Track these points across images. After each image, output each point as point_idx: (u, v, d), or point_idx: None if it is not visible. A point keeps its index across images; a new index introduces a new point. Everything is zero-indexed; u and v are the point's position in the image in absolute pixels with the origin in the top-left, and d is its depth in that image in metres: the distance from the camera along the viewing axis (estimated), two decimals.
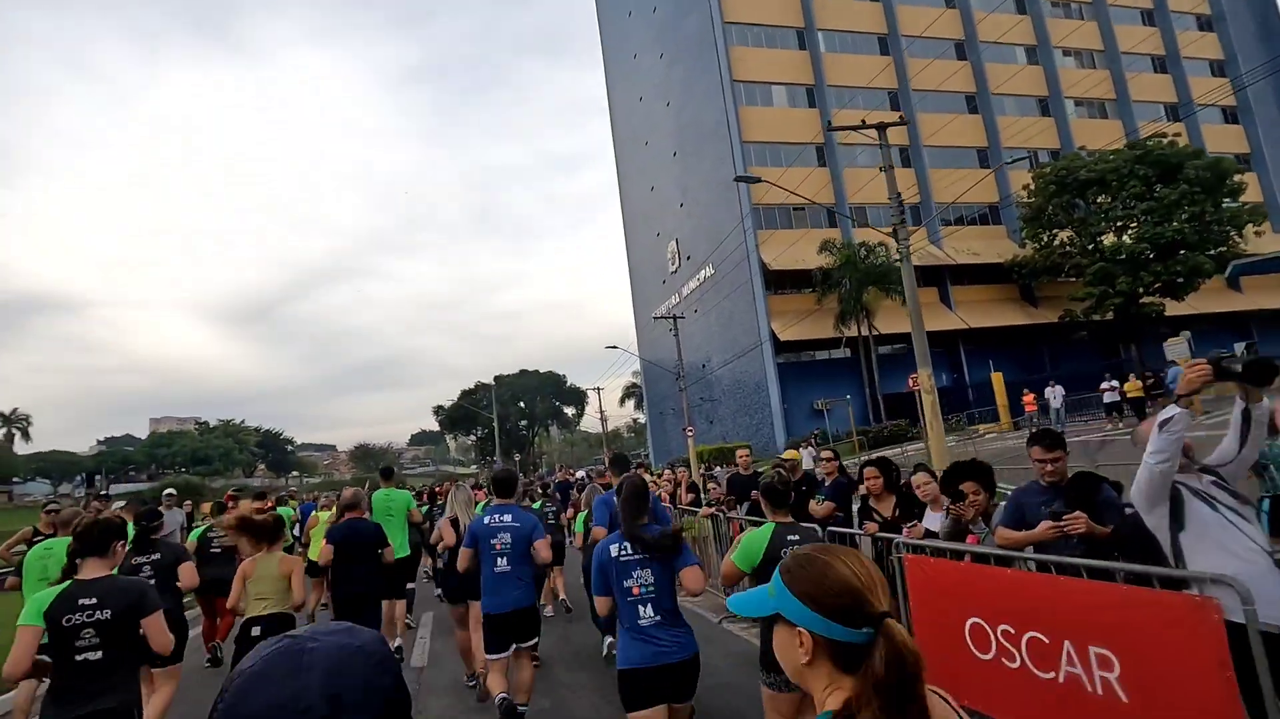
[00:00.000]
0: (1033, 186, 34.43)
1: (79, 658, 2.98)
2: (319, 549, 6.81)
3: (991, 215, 42.16)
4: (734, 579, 3.62)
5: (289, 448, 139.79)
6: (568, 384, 74.39)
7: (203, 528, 7.89)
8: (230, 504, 9.59)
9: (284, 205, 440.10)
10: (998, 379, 30.39)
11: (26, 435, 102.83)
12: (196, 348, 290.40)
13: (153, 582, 4.53)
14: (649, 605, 3.25)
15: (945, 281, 38.84)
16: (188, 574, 5.02)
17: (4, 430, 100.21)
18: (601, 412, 57.41)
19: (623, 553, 3.36)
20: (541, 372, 74.51)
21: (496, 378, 61.59)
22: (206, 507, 10.17)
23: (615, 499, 3.80)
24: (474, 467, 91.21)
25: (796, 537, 3.53)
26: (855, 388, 36.72)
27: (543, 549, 4.65)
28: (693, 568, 3.42)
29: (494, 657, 4.55)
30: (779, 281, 37.43)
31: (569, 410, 77.24)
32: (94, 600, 3.04)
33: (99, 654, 3.01)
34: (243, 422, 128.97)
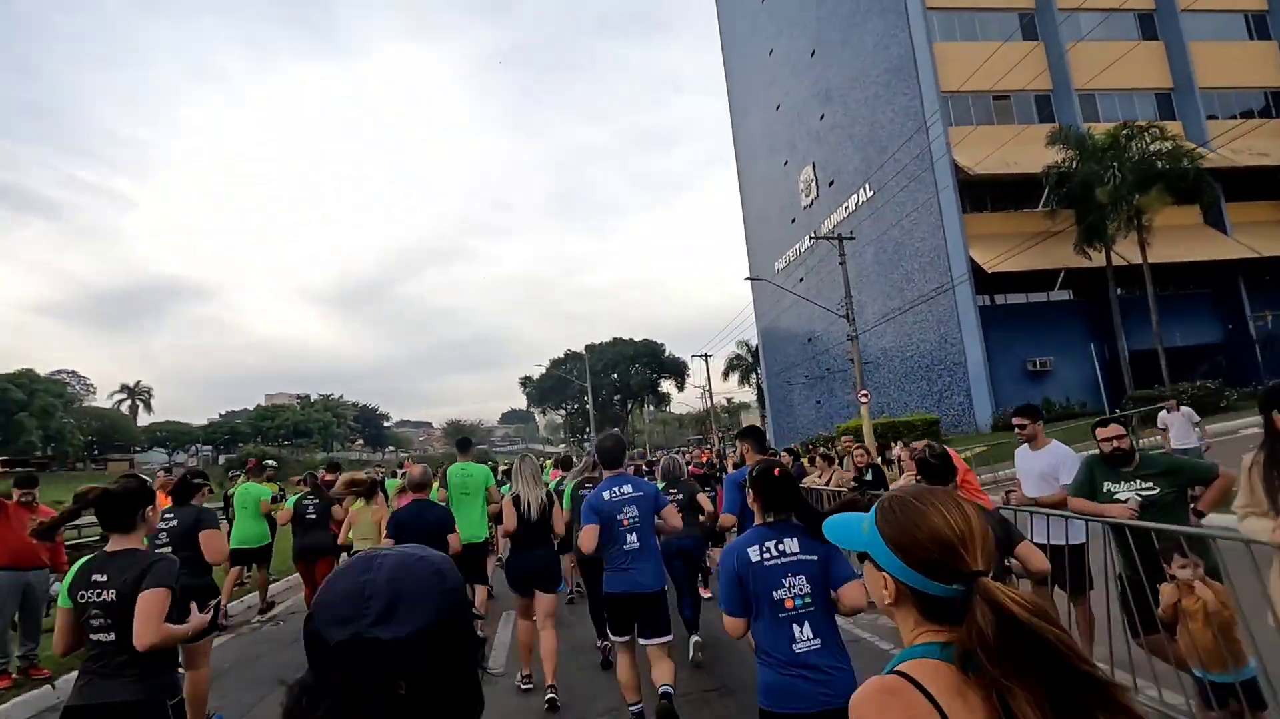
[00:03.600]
0: None
1: (94, 637, 2.59)
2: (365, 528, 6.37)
3: None
4: None
5: (385, 423, 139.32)
6: (666, 354, 65.08)
7: (297, 495, 7.97)
8: (323, 477, 9.50)
9: (383, 193, 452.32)
10: None
11: (148, 406, 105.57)
12: (307, 328, 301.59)
13: (168, 549, 4.32)
14: (805, 625, 2.38)
15: (1217, 196, 26.63)
16: (208, 544, 4.23)
17: (128, 402, 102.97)
18: (708, 381, 47.89)
19: (766, 556, 2.50)
20: (637, 340, 65.51)
21: (588, 346, 53.40)
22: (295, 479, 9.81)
23: (746, 479, 3.21)
24: (562, 445, 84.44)
25: None
26: (1082, 341, 25.59)
27: (671, 517, 4.23)
28: (854, 583, 2.44)
29: (617, 639, 4.13)
30: (978, 196, 26.47)
31: (666, 385, 67.98)
32: (105, 578, 2.61)
33: (111, 636, 2.57)
34: (341, 396, 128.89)
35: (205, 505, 4.92)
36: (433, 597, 0.76)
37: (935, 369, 27.52)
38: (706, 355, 47.17)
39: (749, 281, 26.35)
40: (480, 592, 6.31)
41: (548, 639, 4.69)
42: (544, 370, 62.82)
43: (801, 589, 2.41)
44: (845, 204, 32.79)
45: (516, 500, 4.84)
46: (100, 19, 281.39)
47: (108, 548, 2.70)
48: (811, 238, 29.62)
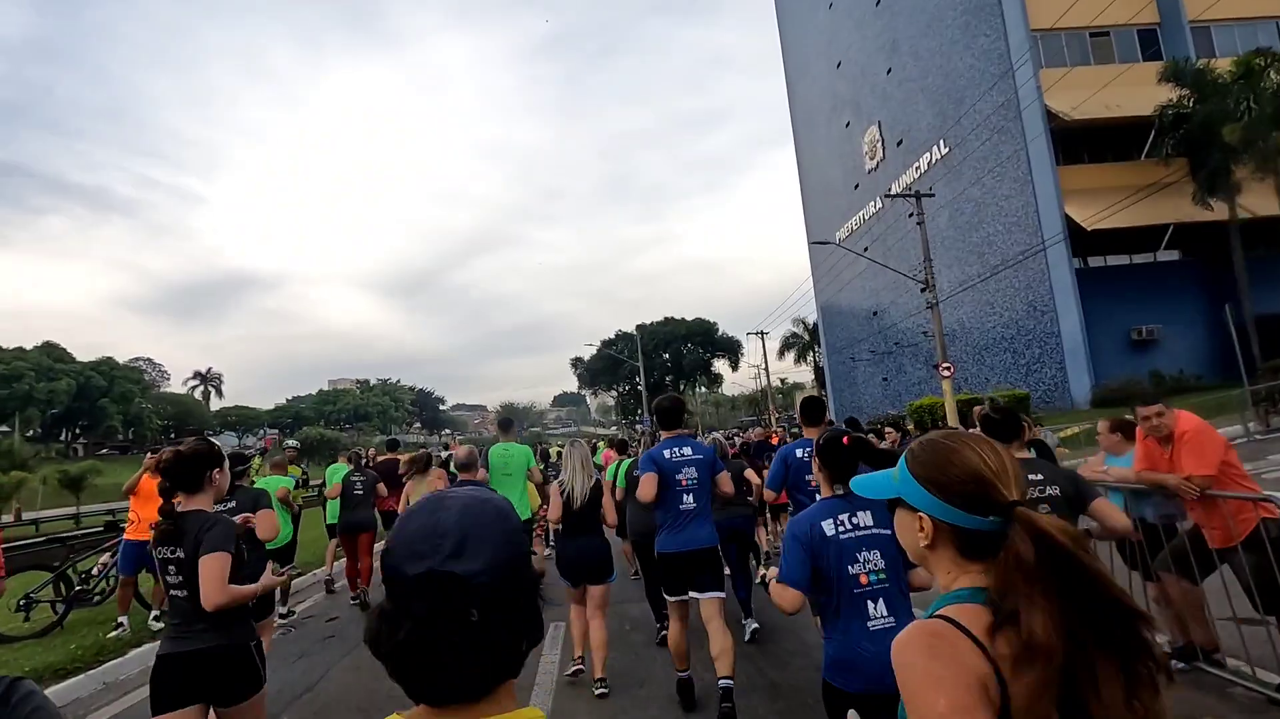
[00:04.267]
0: None
1: (172, 593, 2.72)
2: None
3: None
4: None
5: (441, 407, 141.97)
6: (719, 333, 62.96)
7: (346, 470, 8.00)
8: (373, 456, 10.22)
9: (438, 183, 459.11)
10: None
11: (219, 392, 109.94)
12: (367, 317, 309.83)
13: None
14: (880, 601, 2.24)
15: None
16: (263, 524, 4.06)
17: (201, 388, 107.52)
18: (764, 359, 45.85)
19: (841, 529, 2.36)
20: (689, 319, 63.56)
21: (639, 326, 51.93)
22: (342, 457, 9.07)
23: (800, 453, 3.85)
24: (614, 427, 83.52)
25: (1039, 475, 2.83)
26: (1195, 306, 22.67)
27: (724, 482, 4.15)
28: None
29: (674, 599, 4.07)
30: (1072, 146, 23.63)
31: (719, 365, 65.91)
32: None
33: (184, 592, 2.66)
34: (399, 381, 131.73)
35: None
36: (498, 534, 0.82)
37: (1022, 340, 24.94)
38: (763, 332, 45.25)
39: (817, 245, 24.15)
40: None
41: (597, 631, 4.51)
42: (595, 351, 61.62)
43: (876, 565, 2.27)
44: (915, 164, 30.16)
45: (564, 488, 4.61)
46: (162, 24, 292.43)
47: (180, 507, 2.75)
48: (885, 196, 27.12)
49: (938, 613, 1.00)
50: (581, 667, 4.69)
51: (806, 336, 59.37)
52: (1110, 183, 22.92)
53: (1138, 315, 23.01)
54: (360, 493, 7.64)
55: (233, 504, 4.50)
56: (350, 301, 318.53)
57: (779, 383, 73.07)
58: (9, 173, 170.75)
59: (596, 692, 4.36)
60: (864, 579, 2.28)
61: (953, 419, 19.52)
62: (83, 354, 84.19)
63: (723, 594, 4.03)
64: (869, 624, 2.23)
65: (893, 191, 32.15)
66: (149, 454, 7.58)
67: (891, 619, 2.22)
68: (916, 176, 30.29)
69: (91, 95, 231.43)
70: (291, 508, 7.14)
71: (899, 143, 31.95)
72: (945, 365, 20.05)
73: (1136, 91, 21.76)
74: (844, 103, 37.55)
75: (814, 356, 60.33)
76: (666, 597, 4.13)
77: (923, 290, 20.50)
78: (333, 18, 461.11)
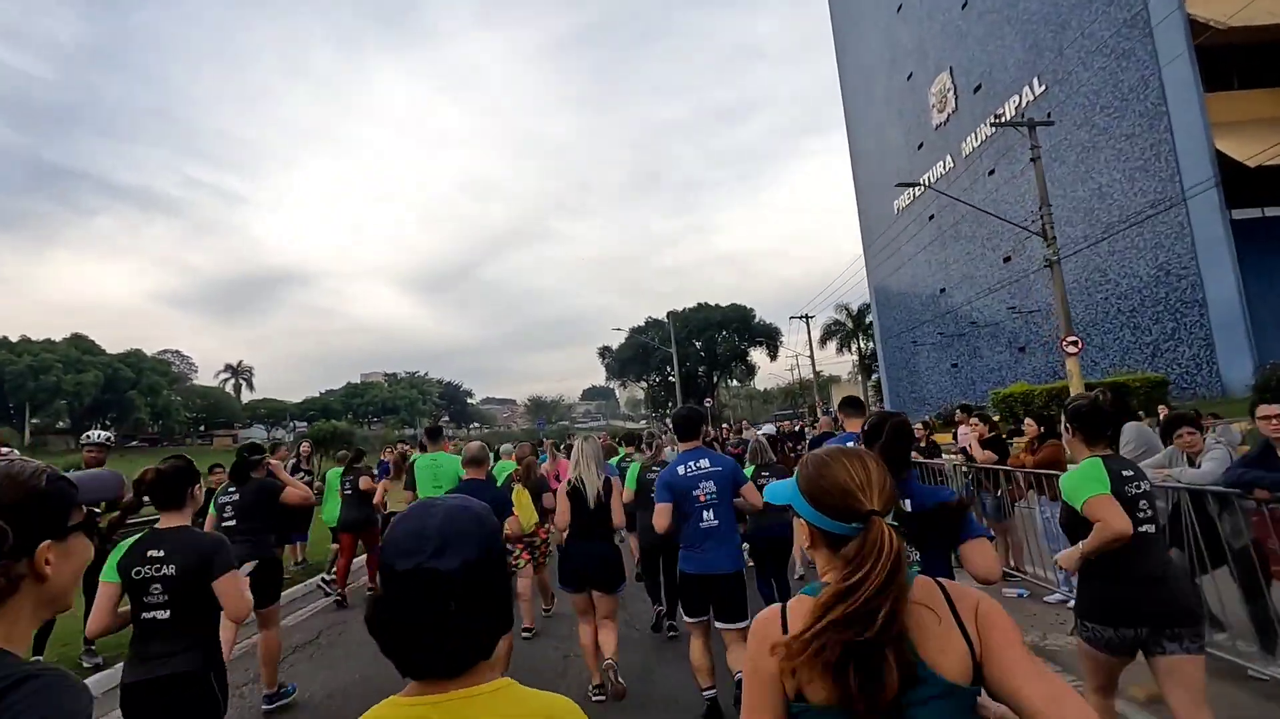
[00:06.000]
0: None
1: (146, 615, 2.62)
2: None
3: None
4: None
5: (469, 400, 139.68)
6: (756, 319, 58.17)
7: (339, 470, 7.97)
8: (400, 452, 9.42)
9: (471, 177, 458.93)
10: None
11: (250, 385, 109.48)
12: (400, 311, 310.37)
13: (233, 522, 4.50)
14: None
15: None
16: (293, 494, 4.72)
17: (232, 381, 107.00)
18: (810, 345, 41.21)
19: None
20: (724, 305, 58.89)
21: (670, 313, 47.67)
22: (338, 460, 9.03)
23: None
24: (643, 422, 79.42)
25: (1131, 472, 2.63)
26: None
27: (751, 495, 3.78)
28: (978, 542, 2.19)
29: (692, 620, 3.85)
30: (1218, 69, 18.65)
31: (755, 355, 61.15)
32: (162, 553, 2.64)
33: (166, 613, 2.61)
34: (426, 374, 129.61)
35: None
36: (475, 537, 0.96)
37: (1148, 313, 20.08)
38: (808, 316, 40.51)
39: (902, 187, 19.38)
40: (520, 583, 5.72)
41: (607, 639, 4.19)
42: (624, 339, 57.41)
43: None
44: (998, 110, 25.34)
45: (573, 489, 4.22)
46: (204, 25, 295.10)
47: (159, 525, 2.74)
48: (995, 122, 22.10)
49: (790, 599, 1.20)
50: (602, 686, 4.17)
51: (850, 324, 54.63)
52: (1269, 112, 18.02)
53: None
54: (350, 492, 7.55)
55: (237, 496, 4.55)
56: (384, 297, 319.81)
57: (814, 374, 68.01)
58: (61, 176, 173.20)
59: (594, 697, 4.18)
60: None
61: None
62: (118, 347, 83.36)
63: (745, 623, 3.68)
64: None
65: (964, 152, 27.39)
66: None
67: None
68: (993, 130, 25.48)
69: (141, 96, 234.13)
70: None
71: (976, 88, 27.10)
72: (1071, 339, 15.48)
73: None
74: (906, 52, 32.69)
75: (857, 346, 55.63)
76: (685, 617, 3.92)
77: (1046, 243, 15.87)
78: (368, 15, 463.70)
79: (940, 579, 1.16)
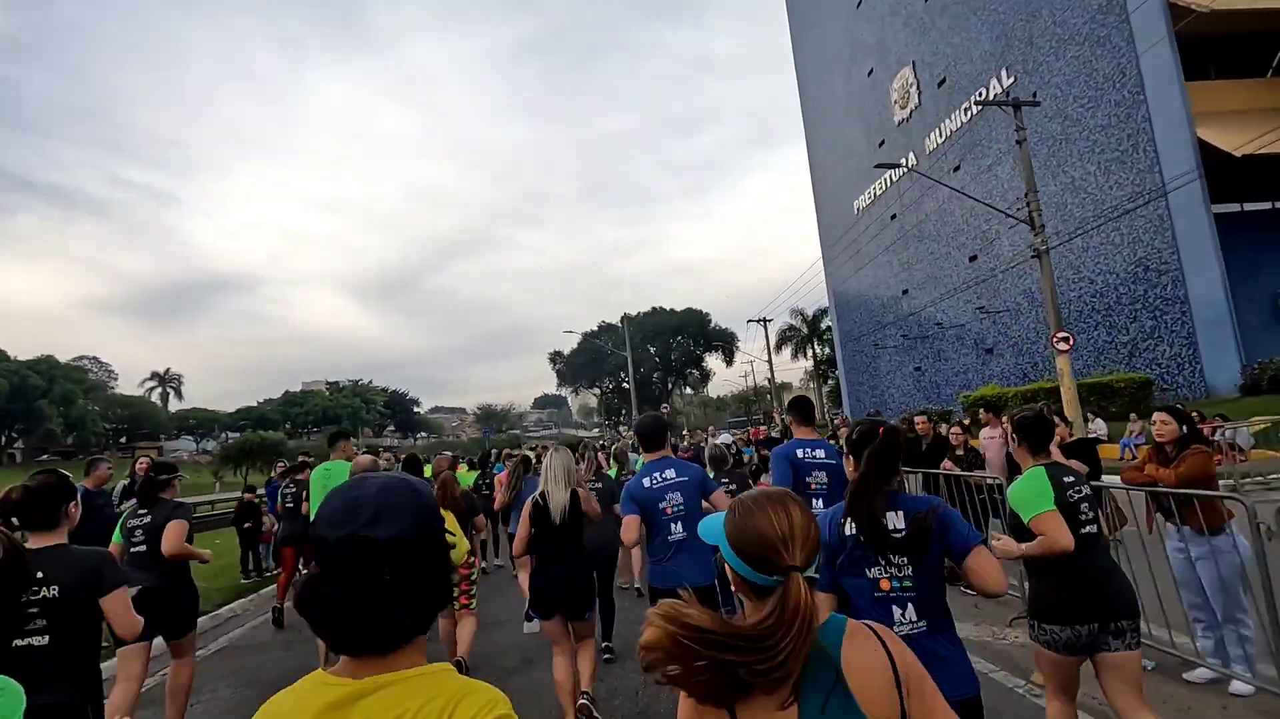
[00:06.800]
0: None
1: (20, 643, 2.32)
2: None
3: None
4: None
5: (416, 409, 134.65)
6: (712, 324, 56.60)
7: (280, 486, 7.77)
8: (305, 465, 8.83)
9: (420, 184, 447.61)
10: None
11: (179, 394, 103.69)
12: (346, 320, 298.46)
13: (144, 548, 3.96)
14: (909, 608, 2.02)
15: None
16: (169, 536, 3.88)
17: (159, 389, 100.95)
18: (769, 349, 39.86)
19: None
20: (679, 310, 57.18)
21: (625, 316, 45.66)
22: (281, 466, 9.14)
23: (801, 453, 3.58)
24: (596, 429, 77.03)
25: (1071, 478, 2.73)
26: None
27: (720, 502, 3.58)
28: (979, 551, 2.02)
29: None
30: (1196, 57, 17.83)
31: (711, 360, 59.61)
32: (39, 575, 2.35)
33: (45, 639, 2.35)
34: (370, 382, 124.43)
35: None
36: (411, 507, 0.92)
37: (1124, 312, 19.14)
38: (765, 320, 39.11)
39: (883, 168, 17.71)
40: (460, 624, 5.07)
41: (585, 666, 3.88)
42: (577, 343, 55.10)
43: (902, 569, 2.03)
44: (965, 104, 24.40)
45: (537, 506, 3.84)
46: (136, 22, 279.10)
47: (31, 544, 2.48)
48: (979, 102, 20.92)
49: None
50: (586, 702, 3.83)
51: (805, 330, 53.82)
52: (1246, 103, 17.31)
53: None
54: (292, 505, 7.02)
55: (148, 519, 4.13)
56: (328, 305, 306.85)
57: (765, 381, 67.13)
58: None
59: (579, 703, 3.83)
60: (885, 585, 2.28)
61: (1072, 409, 13.69)
62: (32, 354, 76.95)
63: None
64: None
65: (927, 148, 26.42)
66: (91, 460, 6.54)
67: (923, 623, 2.13)
68: (966, 120, 24.54)
69: (65, 94, 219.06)
70: None
71: (941, 83, 26.18)
72: (1062, 335, 14.18)
73: None
74: (866, 49, 31.75)
75: (812, 352, 54.90)
76: None
77: (1034, 231, 14.54)
78: (312, 17, 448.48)
79: (878, 630, 1.17)
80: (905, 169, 21.36)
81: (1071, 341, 14.25)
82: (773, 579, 1.10)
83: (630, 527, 3.50)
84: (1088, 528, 2.62)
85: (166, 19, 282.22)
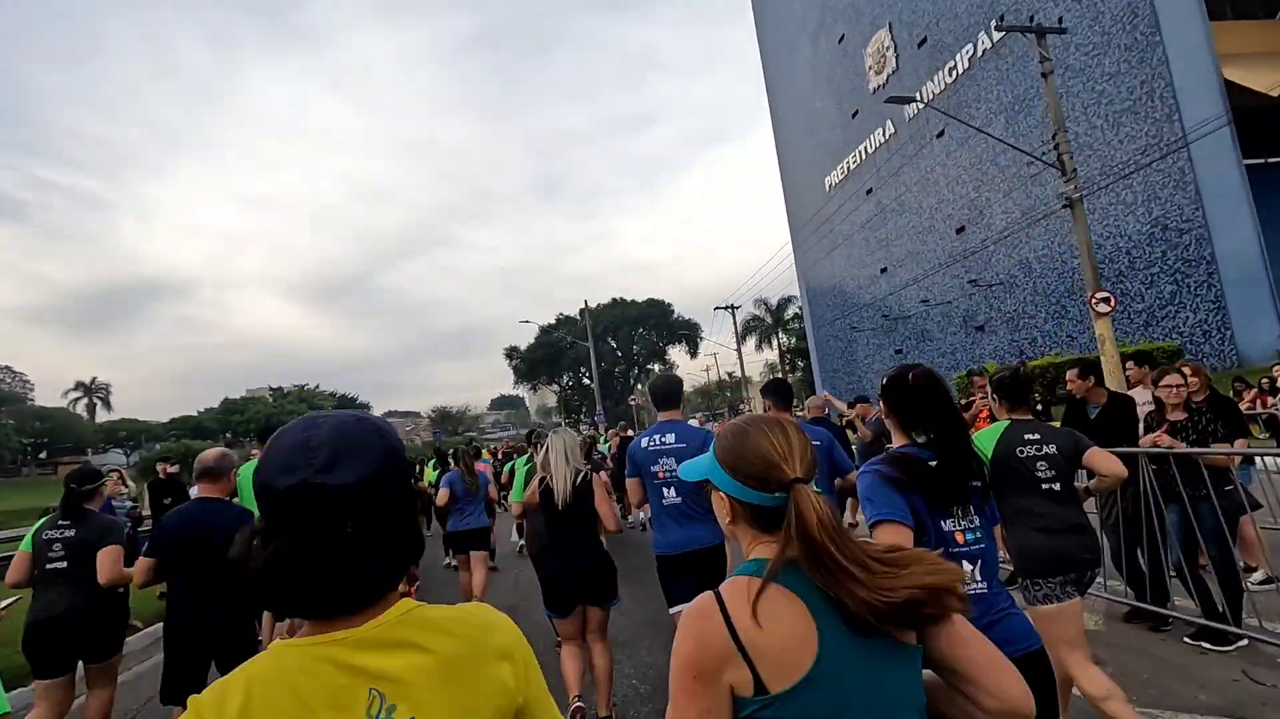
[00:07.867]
0: None
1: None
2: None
3: None
4: None
5: (366, 412, 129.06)
6: (675, 315, 54.30)
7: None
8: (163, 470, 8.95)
9: (363, 182, 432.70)
10: None
11: (107, 405, 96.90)
12: (290, 323, 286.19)
13: (63, 564, 3.41)
14: (978, 564, 1.84)
15: None
16: (103, 562, 3.32)
17: (84, 400, 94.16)
18: (738, 338, 37.75)
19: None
20: (640, 301, 54.70)
21: (584, 308, 42.99)
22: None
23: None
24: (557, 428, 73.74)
25: (1037, 434, 2.64)
26: None
27: None
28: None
29: (675, 611, 3.41)
30: (1214, 2, 16.12)
31: (674, 352, 57.32)
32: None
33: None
34: (318, 387, 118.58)
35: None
36: (373, 448, 0.79)
37: (1139, 276, 17.40)
38: (733, 307, 37.00)
39: (895, 101, 15.20)
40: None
41: (600, 658, 3.53)
42: (534, 338, 52.00)
43: (972, 524, 1.86)
44: (951, 63, 22.51)
45: (546, 492, 3.52)
46: (56, 16, 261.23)
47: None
48: (997, 27, 18.92)
49: (723, 584, 1.05)
50: (582, 706, 3.41)
51: (769, 319, 52.02)
52: (1267, 45, 15.70)
53: None
54: None
55: (70, 533, 3.62)
56: (270, 308, 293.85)
57: (726, 376, 65.25)
58: None
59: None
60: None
61: (1115, 381, 11.67)
62: None
63: None
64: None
65: (907, 116, 24.41)
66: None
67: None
68: (951, 80, 22.64)
69: None
70: None
71: (921, 42, 24.24)
72: (1102, 296, 12.16)
73: None
74: (835, 14, 29.72)
75: (777, 342, 53.19)
76: (670, 609, 3.49)
77: (1064, 177, 12.44)
78: (246, 10, 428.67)
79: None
80: (920, 103, 19.28)
81: (1113, 303, 12.25)
82: (775, 497, 1.06)
83: (631, 489, 3.50)
84: (1047, 485, 2.60)
85: (82, 11, 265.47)
